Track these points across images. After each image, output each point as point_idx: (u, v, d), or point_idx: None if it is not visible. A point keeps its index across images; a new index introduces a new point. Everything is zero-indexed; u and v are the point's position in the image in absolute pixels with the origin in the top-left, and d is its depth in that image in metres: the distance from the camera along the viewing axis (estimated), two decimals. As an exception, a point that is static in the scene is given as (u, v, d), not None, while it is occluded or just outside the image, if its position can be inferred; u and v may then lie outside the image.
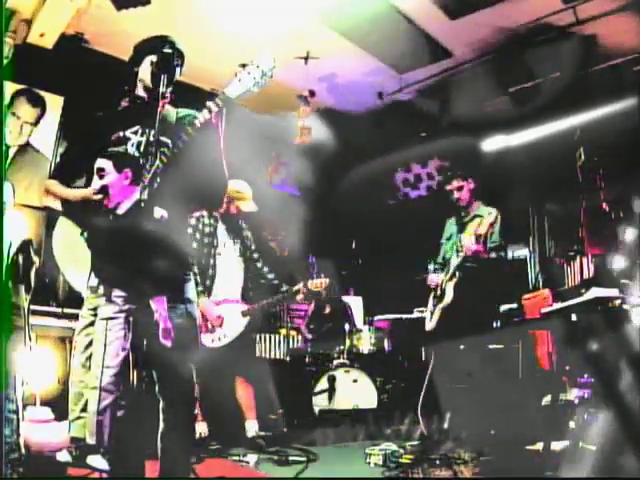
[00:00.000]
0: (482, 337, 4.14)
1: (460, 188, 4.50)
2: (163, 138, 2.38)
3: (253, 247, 4.57)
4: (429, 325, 4.43)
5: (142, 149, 2.49)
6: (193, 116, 2.48)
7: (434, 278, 4.51)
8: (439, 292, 4.37)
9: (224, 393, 4.34)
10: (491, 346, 4.31)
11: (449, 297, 4.24)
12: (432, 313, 4.41)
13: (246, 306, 4.37)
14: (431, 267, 4.74)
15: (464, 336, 4.09)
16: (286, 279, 4.80)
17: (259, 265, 4.55)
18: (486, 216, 4.34)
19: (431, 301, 4.50)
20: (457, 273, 4.23)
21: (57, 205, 2.56)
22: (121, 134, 2.52)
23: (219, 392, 4.32)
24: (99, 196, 2.35)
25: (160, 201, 2.28)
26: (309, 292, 4.48)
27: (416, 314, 5.46)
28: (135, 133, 2.54)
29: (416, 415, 4.62)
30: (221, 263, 4.34)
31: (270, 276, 4.58)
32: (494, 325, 4.75)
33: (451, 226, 4.67)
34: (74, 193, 2.51)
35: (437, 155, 6.95)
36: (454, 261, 4.27)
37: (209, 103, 2.39)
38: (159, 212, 2.26)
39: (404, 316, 6.41)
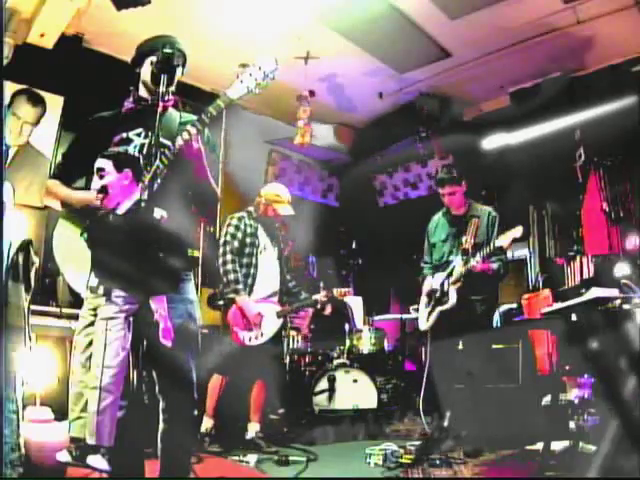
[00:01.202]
0: (482, 337, 4.12)
1: (452, 193, 4.40)
2: (164, 140, 2.37)
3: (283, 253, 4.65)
4: (424, 325, 4.40)
5: (145, 151, 2.48)
6: (193, 123, 2.46)
7: (432, 282, 4.42)
8: (439, 294, 4.30)
9: (242, 392, 4.36)
10: (492, 346, 4.30)
11: (452, 301, 4.15)
12: (430, 314, 4.34)
13: (280, 307, 4.42)
14: (426, 267, 4.66)
15: (463, 336, 4.07)
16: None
17: (284, 271, 4.60)
18: (484, 217, 4.33)
19: (426, 301, 4.44)
20: (462, 279, 4.17)
21: (57, 205, 2.55)
22: (124, 135, 2.52)
23: (240, 390, 4.34)
24: (100, 201, 2.35)
25: (161, 202, 2.28)
26: (332, 299, 4.54)
27: (413, 314, 5.44)
28: (138, 135, 2.53)
29: (417, 414, 4.63)
30: (261, 263, 4.39)
31: (291, 284, 4.63)
32: (494, 325, 4.75)
33: (443, 226, 4.55)
34: (77, 196, 2.50)
35: (437, 155, 6.95)
36: (459, 268, 4.16)
37: (188, 126, 2.36)
38: (159, 213, 2.26)
39: (404, 316, 6.43)
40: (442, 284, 4.30)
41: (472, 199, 4.54)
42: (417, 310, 4.60)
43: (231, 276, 4.22)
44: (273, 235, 4.55)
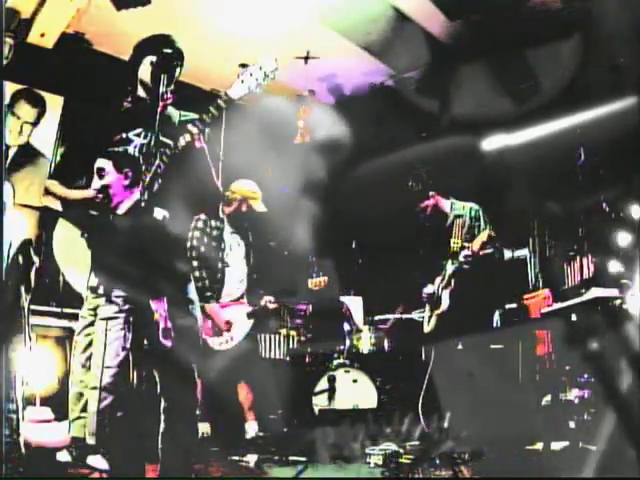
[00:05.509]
0: (482, 337, 4.15)
1: (425, 208, 4.58)
2: (164, 139, 2.38)
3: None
4: (427, 328, 4.53)
5: (144, 151, 2.49)
6: (193, 120, 2.48)
7: (428, 288, 4.56)
8: (434, 298, 4.42)
9: (227, 395, 4.35)
10: (492, 346, 4.32)
11: (445, 304, 4.29)
12: (429, 317, 4.48)
13: (250, 308, 4.39)
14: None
15: (463, 337, 4.11)
16: (286, 279, 4.82)
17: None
18: (467, 214, 4.47)
19: (428, 306, 4.57)
20: (452, 280, 4.26)
21: (57, 205, 2.56)
22: (123, 135, 2.53)
23: (223, 394, 4.33)
24: (100, 196, 2.36)
25: (161, 201, 2.28)
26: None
27: (415, 315, 5.48)
28: (138, 135, 2.54)
29: (417, 414, 4.63)
30: (228, 264, 4.35)
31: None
32: (494, 325, 4.77)
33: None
34: (75, 194, 2.52)
35: (436, 156, 6.93)
36: (449, 268, 4.31)
37: (190, 126, 2.40)
38: (160, 212, 2.26)
39: (404, 316, 6.42)
40: (437, 288, 4.43)
41: (454, 198, 4.64)
42: (422, 314, 4.74)
43: (199, 284, 4.06)
44: (241, 233, 4.47)
